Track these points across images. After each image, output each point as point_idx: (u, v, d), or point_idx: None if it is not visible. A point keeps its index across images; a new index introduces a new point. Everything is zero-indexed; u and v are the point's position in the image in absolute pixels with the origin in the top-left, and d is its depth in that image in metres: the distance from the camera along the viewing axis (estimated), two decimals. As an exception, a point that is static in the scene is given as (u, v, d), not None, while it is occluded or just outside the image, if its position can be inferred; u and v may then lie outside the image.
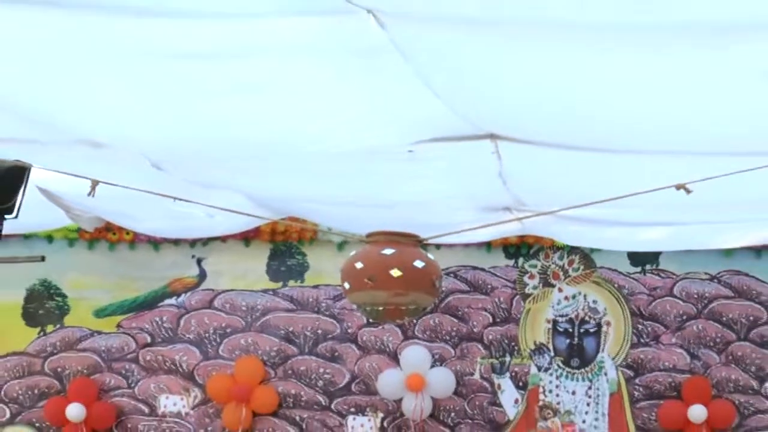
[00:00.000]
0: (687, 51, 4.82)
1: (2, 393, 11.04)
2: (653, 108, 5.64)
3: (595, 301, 10.95)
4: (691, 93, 5.38)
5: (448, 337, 10.91)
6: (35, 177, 7.61)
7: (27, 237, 10.23)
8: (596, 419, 10.82)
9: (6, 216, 7.50)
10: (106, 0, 4.40)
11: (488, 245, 10.81)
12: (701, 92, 5.36)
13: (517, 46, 4.83)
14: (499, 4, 4.37)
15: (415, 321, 10.61)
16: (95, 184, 7.39)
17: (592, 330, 10.94)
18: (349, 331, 10.99)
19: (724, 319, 10.86)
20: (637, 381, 10.84)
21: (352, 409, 10.93)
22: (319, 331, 11.02)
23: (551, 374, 10.89)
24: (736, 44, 4.75)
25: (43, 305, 11.13)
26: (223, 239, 10.88)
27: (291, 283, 11.12)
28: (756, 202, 7.81)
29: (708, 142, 6.16)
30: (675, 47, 4.79)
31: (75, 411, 10.77)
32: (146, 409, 11.01)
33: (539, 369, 10.90)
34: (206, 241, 10.98)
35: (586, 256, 10.92)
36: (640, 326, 10.90)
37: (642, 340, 10.89)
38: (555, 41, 4.77)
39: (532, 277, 11.01)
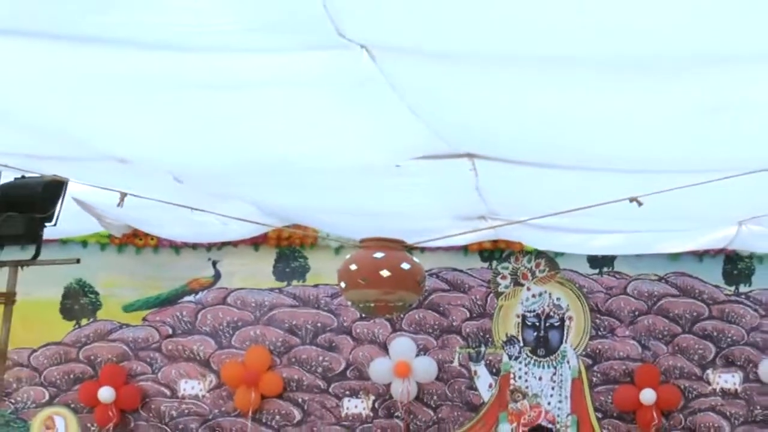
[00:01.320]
0: (641, 85, 4.83)
1: (42, 378, 11.02)
2: (611, 132, 5.65)
3: (558, 299, 10.94)
4: (644, 120, 5.40)
5: (430, 330, 10.90)
6: (71, 190, 7.61)
7: (64, 242, 10.22)
8: (560, 401, 10.79)
9: (46, 224, 7.48)
10: (134, 40, 4.39)
11: (465, 249, 10.81)
12: (652, 120, 5.37)
13: (492, 78, 4.84)
14: (476, 41, 4.37)
15: (402, 315, 10.60)
16: (124, 195, 7.37)
17: (556, 324, 10.92)
18: (345, 324, 10.98)
19: (671, 314, 10.85)
20: (595, 368, 10.83)
21: (347, 392, 10.90)
22: (319, 325, 11.00)
23: (521, 362, 10.87)
24: (683, 81, 4.77)
25: (78, 301, 11.12)
26: (235, 244, 10.86)
27: (294, 282, 11.11)
28: (698, 213, 7.82)
29: (657, 162, 6.18)
30: (631, 81, 4.80)
31: (106, 393, 10.75)
32: (168, 392, 10.99)
33: (510, 358, 10.88)
34: (220, 246, 10.96)
35: (551, 260, 10.91)
36: (597, 321, 10.89)
37: (600, 333, 10.87)
38: (525, 74, 4.78)
39: (504, 277, 10.99)
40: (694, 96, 4.96)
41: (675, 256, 10.62)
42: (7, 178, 7.35)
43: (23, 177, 7.37)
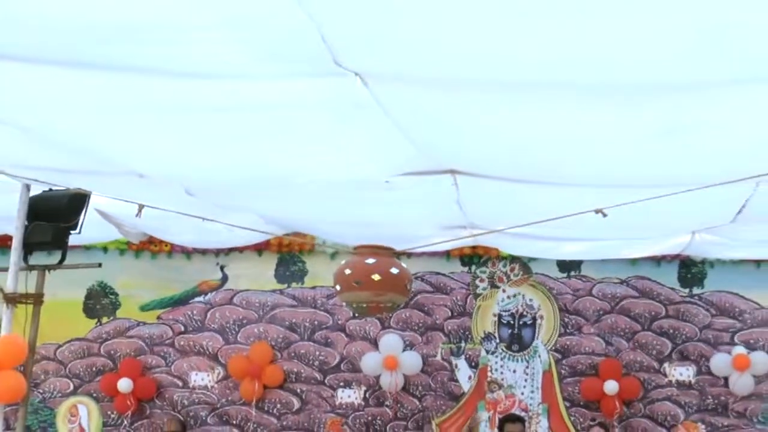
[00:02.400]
0: (605, 109, 4.85)
1: (67, 370, 11.00)
2: (578, 151, 5.66)
3: (531, 300, 10.95)
4: (608, 141, 5.41)
5: (416, 327, 10.90)
6: (94, 201, 7.61)
7: (87, 248, 10.20)
8: (532, 392, 10.80)
9: (71, 232, 7.48)
10: (152, 68, 4.39)
11: (448, 255, 10.81)
12: (615, 140, 5.38)
13: (472, 102, 4.84)
14: (459, 70, 4.38)
15: (390, 315, 10.58)
16: (141, 207, 7.38)
17: (528, 322, 10.92)
18: (339, 322, 10.97)
19: (632, 314, 10.86)
20: (564, 362, 10.83)
21: (342, 384, 10.90)
22: (316, 323, 10.99)
23: (497, 356, 10.87)
24: (642, 107, 4.79)
25: (100, 301, 11.10)
26: (241, 250, 10.85)
27: (294, 284, 11.10)
28: (656, 223, 7.83)
29: (619, 178, 6.19)
30: (596, 106, 4.81)
31: (124, 384, 10.74)
32: (180, 383, 10.97)
33: (487, 352, 10.88)
34: (227, 252, 10.95)
35: (524, 264, 10.92)
36: (566, 319, 10.90)
37: (568, 330, 10.88)
38: (502, 99, 4.79)
39: (482, 280, 11.00)
40: (651, 120, 4.98)
41: (635, 262, 10.63)
42: (36, 191, 7.34)
43: (51, 190, 7.37)
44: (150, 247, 10.92)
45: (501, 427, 9.35)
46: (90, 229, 7.74)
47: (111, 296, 11.11)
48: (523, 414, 10.37)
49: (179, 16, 3.84)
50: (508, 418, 9.54)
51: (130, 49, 4.20)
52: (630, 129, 5.12)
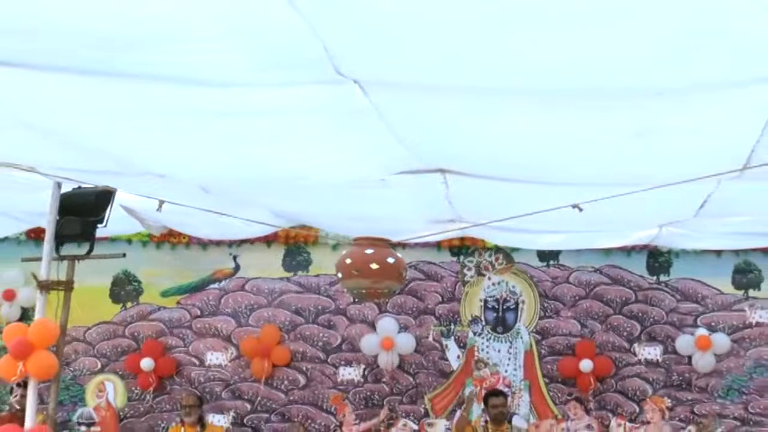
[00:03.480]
0: (581, 114, 4.84)
1: (95, 350, 10.99)
2: (557, 152, 5.65)
3: (513, 286, 10.95)
4: (584, 142, 5.40)
5: (410, 311, 10.89)
6: (119, 198, 7.59)
7: (113, 240, 10.18)
8: (515, 370, 10.80)
9: (98, 225, 7.46)
10: (170, 77, 4.38)
11: (438, 246, 10.81)
12: (590, 142, 5.37)
13: (460, 107, 4.83)
14: (448, 77, 4.37)
15: (387, 300, 10.58)
16: (162, 202, 7.37)
17: (511, 307, 10.92)
18: (341, 307, 10.96)
19: (605, 299, 10.86)
20: (543, 343, 10.83)
21: (343, 362, 10.89)
22: (319, 307, 10.99)
23: (483, 338, 10.87)
24: (614, 112, 4.78)
25: (124, 288, 11.09)
26: (251, 241, 10.84)
27: (300, 273, 11.09)
28: (627, 217, 7.84)
29: (594, 176, 6.18)
30: (573, 111, 4.81)
31: (146, 363, 10.73)
32: (197, 362, 10.96)
33: (474, 334, 10.87)
34: (239, 243, 10.93)
35: (507, 254, 10.92)
36: (545, 304, 10.90)
37: (547, 314, 10.88)
38: (487, 104, 4.78)
39: (469, 269, 10.99)
40: (622, 123, 4.98)
41: (608, 252, 10.63)
42: (66, 188, 7.33)
43: (80, 187, 7.36)
44: (170, 238, 10.91)
45: (486, 401, 9.34)
46: (115, 222, 7.72)
47: (134, 283, 11.09)
48: (506, 390, 10.38)
49: (194, 29, 3.83)
50: (492, 393, 9.55)
51: (151, 60, 4.20)
52: (603, 131, 5.12)
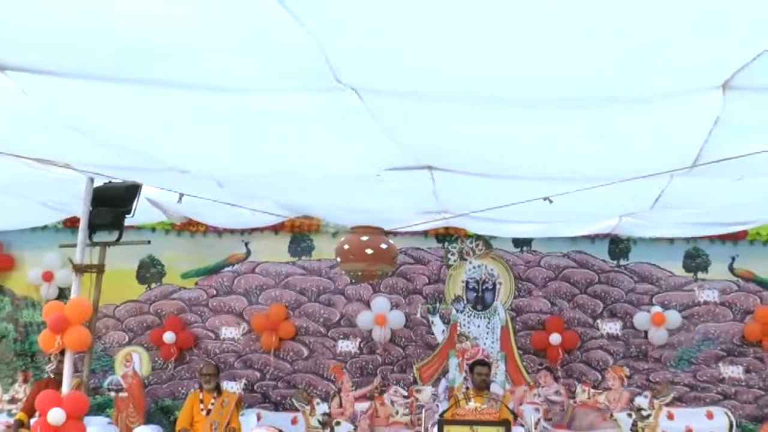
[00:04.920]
0: (551, 119, 4.87)
1: (124, 325, 10.99)
2: (529, 151, 5.67)
3: (492, 269, 10.96)
4: (553, 143, 5.42)
5: (400, 291, 10.90)
6: (145, 191, 7.60)
7: (139, 228, 10.18)
8: (492, 343, 10.81)
9: (126, 215, 7.48)
10: (190, 84, 4.40)
11: (425, 234, 10.79)
12: (559, 143, 5.39)
13: (445, 112, 4.85)
14: (435, 86, 4.39)
15: (380, 281, 10.60)
16: (182, 195, 7.40)
17: (490, 287, 10.93)
18: (339, 287, 10.97)
19: (571, 280, 10.87)
20: (517, 319, 10.85)
21: (341, 336, 10.90)
22: (321, 288, 11.00)
23: (465, 315, 10.88)
24: (579, 117, 4.81)
25: (149, 271, 11.08)
26: (261, 230, 10.83)
27: (303, 257, 11.09)
28: (591, 208, 7.85)
29: (563, 173, 6.20)
30: (544, 116, 4.83)
31: (168, 337, 10.74)
32: (213, 336, 10.97)
33: (457, 311, 10.89)
34: (250, 231, 10.92)
35: (486, 241, 10.92)
36: (519, 285, 10.91)
37: (521, 294, 10.90)
38: (470, 110, 4.80)
39: (453, 254, 10.99)
40: (587, 127, 5.01)
41: (574, 239, 10.65)
42: (98, 182, 7.34)
43: (110, 182, 7.37)
44: (189, 227, 10.90)
45: (471, 369, 9.36)
46: (141, 213, 7.74)
47: (158, 266, 11.09)
48: (486, 359, 10.38)
49: (212, 43, 3.85)
50: (478, 362, 9.53)
51: (174, 70, 4.21)
52: (570, 134, 5.15)
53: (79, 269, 7.22)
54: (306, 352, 10.87)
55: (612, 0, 3.29)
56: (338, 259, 8.83)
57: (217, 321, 10.99)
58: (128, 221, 7.55)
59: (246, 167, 6.45)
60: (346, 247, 8.61)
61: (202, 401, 9.73)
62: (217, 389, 9.70)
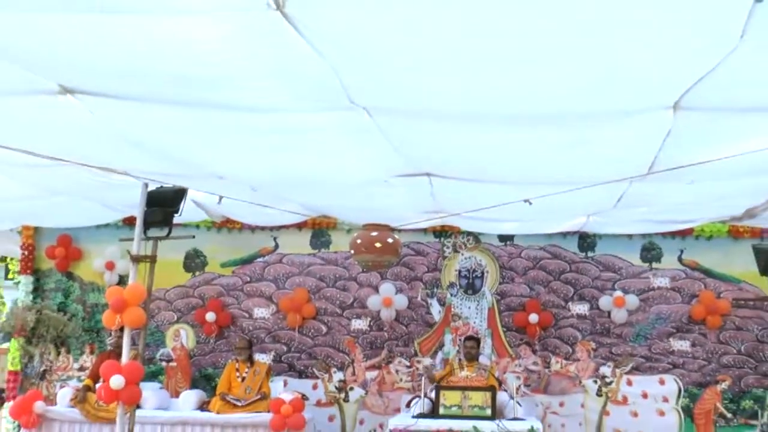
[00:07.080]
0: (532, 130, 4.86)
1: (172, 306, 10.99)
2: (513, 159, 5.67)
3: (480, 260, 10.93)
4: (533, 152, 5.41)
5: (404, 278, 10.88)
6: (190, 194, 7.61)
7: (185, 225, 10.12)
8: (481, 321, 10.78)
9: (175, 214, 7.49)
10: (228, 104, 4.41)
11: (425, 230, 10.77)
12: (538, 151, 5.39)
13: (443, 127, 4.85)
14: (434, 105, 4.39)
15: (387, 270, 10.59)
16: (221, 197, 7.41)
17: (479, 275, 10.90)
18: (353, 275, 10.94)
19: (547, 269, 10.83)
20: (502, 301, 10.82)
21: (354, 316, 10.88)
22: (337, 275, 10.97)
23: (458, 298, 10.86)
24: (555, 128, 4.80)
25: (194, 261, 11.07)
26: (287, 227, 10.79)
27: (323, 250, 11.06)
28: (563, 209, 7.85)
29: (541, 178, 6.20)
30: (526, 128, 4.83)
31: (210, 316, 10.73)
32: (247, 316, 10.97)
33: (451, 295, 10.86)
34: (278, 228, 10.90)
35: (476, 237, 10.90)
36: (504, 273, 10.88)
37: (504, 281, 10.87)
38: (463, 125, 4.80)
39: (448, 247, 10.97)
40: (560, 137, 5.01)
41: (550, 235, 10.61)
42: (151, 187, 7.36)
43: (162, 186, 7.38)
44: (227, 224, 10.90)
45: (463, 343, 9.56)
46: (187, 212, 7.75)
47: (201, 257, 11.08)
48: (475, 335, 10.40)
49: (247, 72, 3.86)
50: (468, 337, 9.79)
51: (216, 94, 4.23)
52: (546, 144, 5.15)
53: (136, 259, 7.24)
54: (325, 329, 10.87)
55: (581, 30, 3.30)
56: (352, 251, 8.85)
57: (250, 303, 10.99)
58: (176, 219, 7.56)
59: (275, 174, 6.47)
60: (358, 241, 8.63)
61: (238, 370, 9.78)
62: (251, 360, 9.75)
